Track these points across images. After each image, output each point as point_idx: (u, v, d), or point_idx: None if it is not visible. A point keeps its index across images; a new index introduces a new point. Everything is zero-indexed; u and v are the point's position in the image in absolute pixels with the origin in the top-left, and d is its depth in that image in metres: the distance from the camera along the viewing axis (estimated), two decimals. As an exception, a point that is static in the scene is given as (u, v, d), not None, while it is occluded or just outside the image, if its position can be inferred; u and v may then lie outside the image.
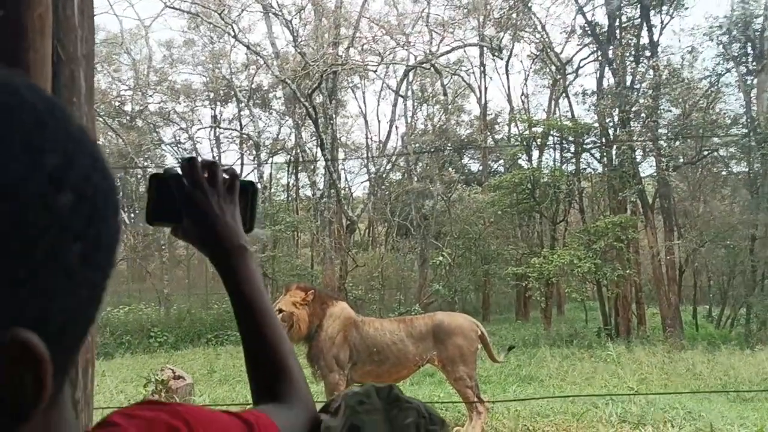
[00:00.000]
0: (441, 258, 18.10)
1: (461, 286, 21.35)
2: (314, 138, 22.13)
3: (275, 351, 0.95)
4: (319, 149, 19.85)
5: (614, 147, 17.45)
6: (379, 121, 38.63)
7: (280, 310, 6.28)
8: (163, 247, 24.53)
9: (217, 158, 30.89)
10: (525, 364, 12.63)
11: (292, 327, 6.31)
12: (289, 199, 30.75)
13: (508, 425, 5.97)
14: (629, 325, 17.34)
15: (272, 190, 32.83)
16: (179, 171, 0.97)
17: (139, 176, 27.61)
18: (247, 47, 21.08)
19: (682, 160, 19.28)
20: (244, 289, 0.97)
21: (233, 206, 0.99)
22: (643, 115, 17.29)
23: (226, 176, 1.00)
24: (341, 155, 32.04)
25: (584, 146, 19.29)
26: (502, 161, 25.70)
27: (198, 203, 0.95)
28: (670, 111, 17.96)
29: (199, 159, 0.97)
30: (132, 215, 31.94)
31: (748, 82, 18.07)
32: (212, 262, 0.99)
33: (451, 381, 6.40)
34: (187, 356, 16.30)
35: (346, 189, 32.11)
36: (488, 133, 26.41)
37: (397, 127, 25.49)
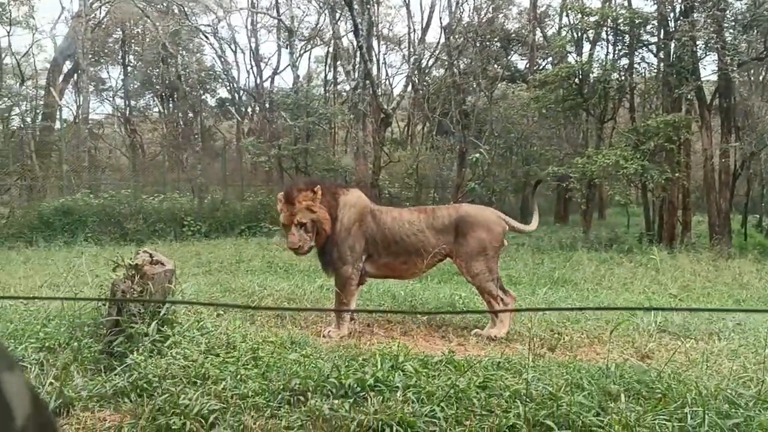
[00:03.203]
0: (477, 155, 17.25)
1: (500, 186, 20.65)
2: (353, 29, 20.96)
3: None
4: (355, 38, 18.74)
5: (673, 40, 15.97)
6: (422, 12, 36.75)
7: (301, 224, 5.48)
8: (197, 136, 24.19)
9: (253, 48, 30.01)
10: (560, 266, 12.09)
11: (319, 233, 5.58)
12: (327, 93, 29.80)
13: (533, 331, 5.41)
14: (673, 232, 16.53)
15: (311, 84, 31.93)
16: None
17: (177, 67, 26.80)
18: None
19: (747, 57, 17.70)
20: None
21: None
22: (708, 4, 15.67)
23: None
24: (383, 49, 30.76)
25: (640, 39, 17.75)
26: (550, 59, 24.16)
27: None
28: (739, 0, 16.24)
29: None
30: (170, 105, 31.59)
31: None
32: None
33: (469, 278, 5.78)
34: (218, 245, 16.25)
35: (386, 84, 30.99)
36: (537, 26, 24.73)
37: (441, 20, 23.98)
